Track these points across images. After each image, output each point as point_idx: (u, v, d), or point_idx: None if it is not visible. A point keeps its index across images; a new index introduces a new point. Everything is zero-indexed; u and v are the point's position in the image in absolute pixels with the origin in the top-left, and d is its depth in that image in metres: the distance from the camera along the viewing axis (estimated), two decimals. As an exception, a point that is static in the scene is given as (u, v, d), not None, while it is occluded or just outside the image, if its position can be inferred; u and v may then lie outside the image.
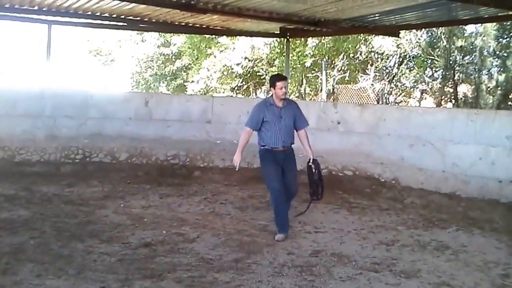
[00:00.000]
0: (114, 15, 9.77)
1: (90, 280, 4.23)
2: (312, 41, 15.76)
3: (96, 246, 5.15)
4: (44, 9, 9.24)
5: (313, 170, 5.95)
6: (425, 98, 17.72)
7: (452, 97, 16.30)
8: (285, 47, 11.87)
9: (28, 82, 17.75)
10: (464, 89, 16.78)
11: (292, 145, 6.02)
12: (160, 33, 17.17)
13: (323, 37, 14.62)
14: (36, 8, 9.18)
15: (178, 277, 4.40)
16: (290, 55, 13.38)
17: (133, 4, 8.53)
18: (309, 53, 15.98)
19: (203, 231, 5.86)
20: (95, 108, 9.72)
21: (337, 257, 5.11)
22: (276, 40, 15.32)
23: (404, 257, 5.24)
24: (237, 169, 5.94)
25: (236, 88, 18.27)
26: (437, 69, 16.64)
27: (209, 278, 4.41)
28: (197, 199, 7.58)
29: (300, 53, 16.11)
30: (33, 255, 4.77)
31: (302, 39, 14.89)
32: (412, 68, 16.76)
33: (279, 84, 5.83)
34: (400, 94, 17.53)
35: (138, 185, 8.33)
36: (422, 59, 16.17)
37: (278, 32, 11.05)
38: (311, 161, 5.97)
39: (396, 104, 15.77)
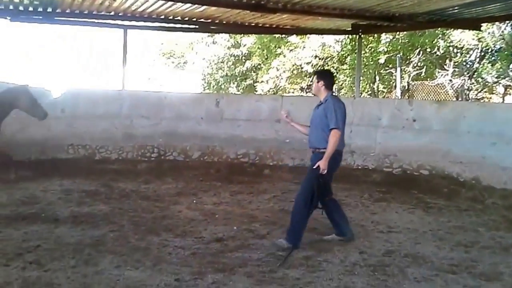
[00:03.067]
0: (186, 18, 9.95)
1: (166, 272, 4.36)
2: (385, 37, 15.28)
3: (171, 239, 5.32)
4: (120, 14, 9.56)
5: None
6: (510, 94, 16.71)
7: (539, 92, 15.29)
8: (357, 44, 11.60)
9: (106, 84, 18.61)
10: (553, 83, 15.66)
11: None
12: (231, 34, 17.33)
13: (398, 33, 14.16)
14: (112, 13, 9.51)
15: (249, 271, 4.43)
16: (362, 52, 13.06)
17: (205, 7, 8.64)
18: (383, 49, 15.51)
19: (273, 228, 5.89)
20: (169, 109, 10.04)
21: (411, 258, 4.94)
22: (348, 37, 14.97)
23: (484, 259, 4.98)
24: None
25: (306, 88, 18.11)
26: (522, 63, 15.61)
27: (280, 274, 4.40)
28: (267, 197, 7.63)
29: (373, 50, 15.69)
30: (112, 247, 5.00)
31: (375, 35, 14.48)
32: (494, 63, 15.81)
33: None
34: (481, 90, 16.61)
35: (210, 183, 8.53)
36: (505, 53, 15.23)
37: (350, 29, 10.77)
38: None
39: (477, 101, 14.99)
